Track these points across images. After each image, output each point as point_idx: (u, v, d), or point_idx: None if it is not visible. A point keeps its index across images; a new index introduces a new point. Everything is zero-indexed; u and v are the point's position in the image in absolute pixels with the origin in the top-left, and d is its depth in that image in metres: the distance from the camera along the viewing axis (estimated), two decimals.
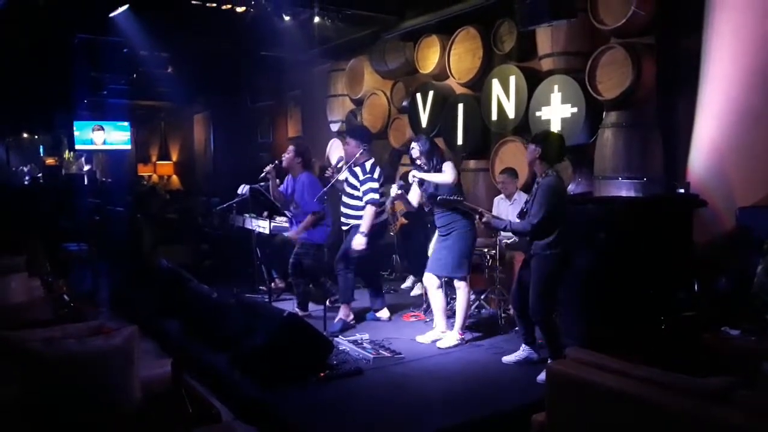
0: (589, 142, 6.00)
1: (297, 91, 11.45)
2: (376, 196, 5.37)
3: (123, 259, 7.92)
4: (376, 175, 5.44)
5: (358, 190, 5.42)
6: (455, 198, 4.81)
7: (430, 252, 5.44)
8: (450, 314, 5.26)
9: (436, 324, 5.19)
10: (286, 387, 4.03)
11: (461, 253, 4.90)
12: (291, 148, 6.04)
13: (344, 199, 5.60)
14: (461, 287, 4.97)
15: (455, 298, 5.15)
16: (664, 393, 2.22)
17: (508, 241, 5.74)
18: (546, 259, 4.23)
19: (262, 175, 5.96)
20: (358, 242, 5.27)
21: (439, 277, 5.04)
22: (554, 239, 4.20)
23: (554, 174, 4.27)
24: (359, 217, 5.38)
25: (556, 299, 4.44)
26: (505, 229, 4.70)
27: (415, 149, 5.04)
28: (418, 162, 5.02)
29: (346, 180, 5.57)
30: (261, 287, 6.61)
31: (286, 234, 6.11)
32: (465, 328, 5.09)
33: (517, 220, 4.43)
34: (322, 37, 8.38)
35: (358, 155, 5.44)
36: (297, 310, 5.87)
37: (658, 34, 5.55)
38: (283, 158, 5.93)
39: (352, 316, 5.59)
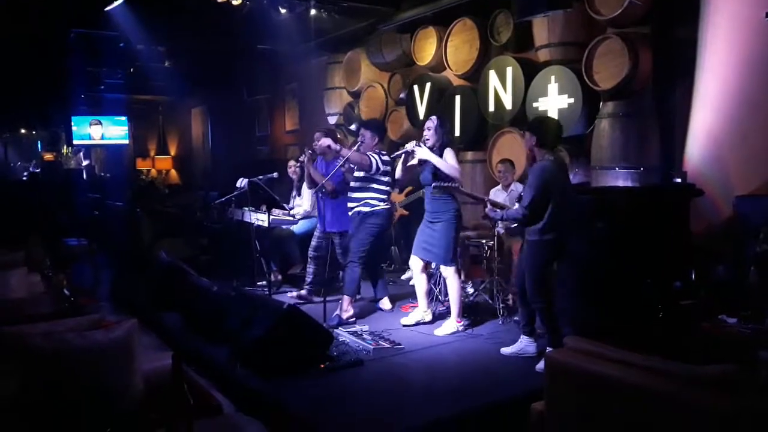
0: (586, 132, 6.01)
1: (294, 84, 11.43)
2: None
3: (123, 254, 7.93)
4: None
5: (371, 177, 5.36)
6: (453, 184, 4.80)
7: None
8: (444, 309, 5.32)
9: (419, 305, 5.29)
10: (287, 379, 4.04)
11: (449, 243, 4.97)
12: (318, 134, 6.14)
13: (352, 184, 5.52)
14: (450, 275, 5.03)
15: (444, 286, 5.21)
16: (663, 381, 2.23)
17: (512, 226, 5.68)
18: (538, 244, 4.23)
19: (297, 163, 6.44)
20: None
21: (425, 261, 5.13)
22: (546, 224, 4.17)
23: (550, 159, 4.24)
24: (363, 200, 5.35)
25: (550, 286, 4.45)
26: (502, 219, 4.71)
27: (432, 121, 5.02)
28: (426, 135, 5.01)
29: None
30: (260, 280, 6.62)
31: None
32: (463, 316, 5.13)
33: (514, 207, 4.45)
34: (319, 29, 8.38)
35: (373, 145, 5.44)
36: (303, 292, 5.93)
37: (654, 23, 5.55)
38: (316, 146, 5.97)
39: (351, 312, 5.42)
